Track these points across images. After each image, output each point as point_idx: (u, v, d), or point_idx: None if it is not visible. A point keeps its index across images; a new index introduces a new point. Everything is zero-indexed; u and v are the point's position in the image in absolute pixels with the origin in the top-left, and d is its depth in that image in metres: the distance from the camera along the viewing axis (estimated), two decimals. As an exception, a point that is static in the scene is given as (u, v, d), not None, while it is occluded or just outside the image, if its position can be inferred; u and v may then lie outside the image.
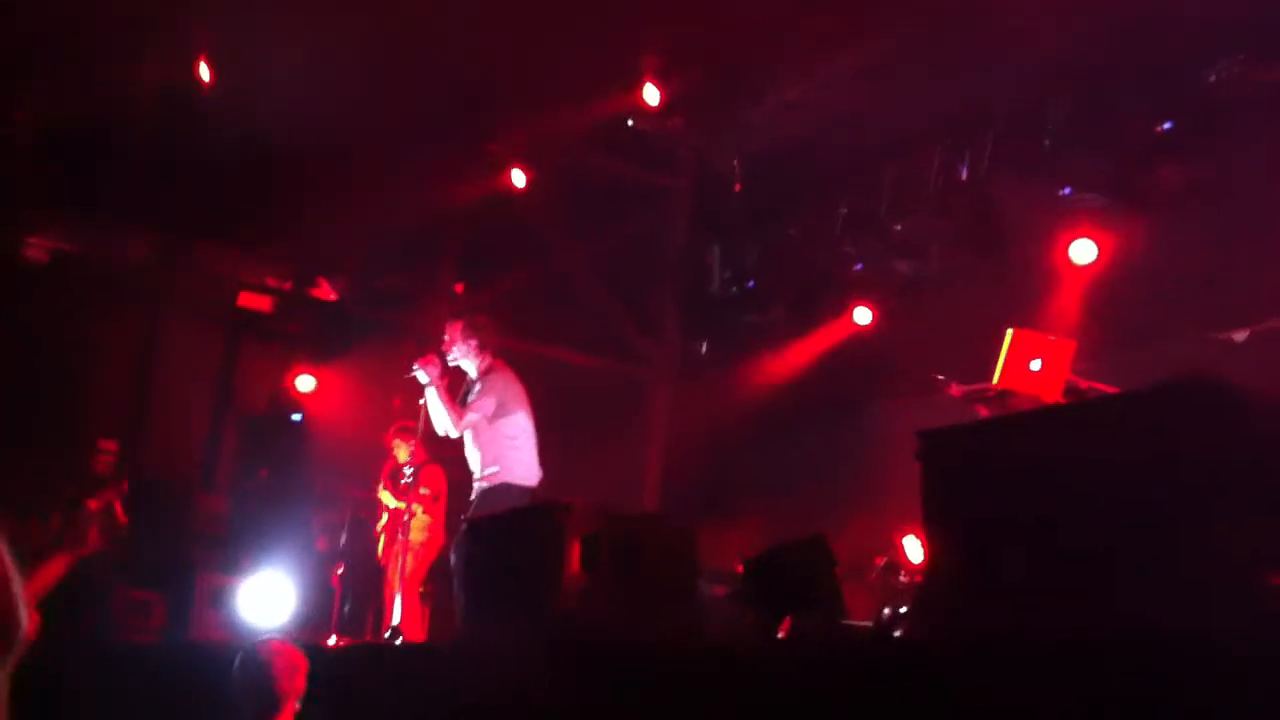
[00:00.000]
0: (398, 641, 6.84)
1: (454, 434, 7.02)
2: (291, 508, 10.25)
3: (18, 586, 1.75)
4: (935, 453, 3.90)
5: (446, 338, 7.18)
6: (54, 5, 8.51)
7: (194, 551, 9.52)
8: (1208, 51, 7.54)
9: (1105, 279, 8.30)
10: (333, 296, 11.52)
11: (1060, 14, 7.81)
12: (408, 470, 7.92)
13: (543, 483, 7.06)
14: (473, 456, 7.05)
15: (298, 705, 4.23)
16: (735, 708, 3.81)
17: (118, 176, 9.76)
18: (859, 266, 9.84)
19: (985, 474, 3.80)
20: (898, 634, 4.74)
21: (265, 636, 4.80)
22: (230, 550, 9.61)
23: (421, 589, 8.51)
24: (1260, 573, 3.01)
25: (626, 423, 11.43)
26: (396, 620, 7.33)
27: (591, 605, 4.91)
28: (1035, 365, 5.76)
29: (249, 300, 11.19)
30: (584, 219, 11.33)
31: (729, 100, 9.82)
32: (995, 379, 5.88)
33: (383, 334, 11.13)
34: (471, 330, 7.15)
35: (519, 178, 10.60)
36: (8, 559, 1.75)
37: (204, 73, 9.36)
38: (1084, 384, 5.76)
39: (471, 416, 6.95)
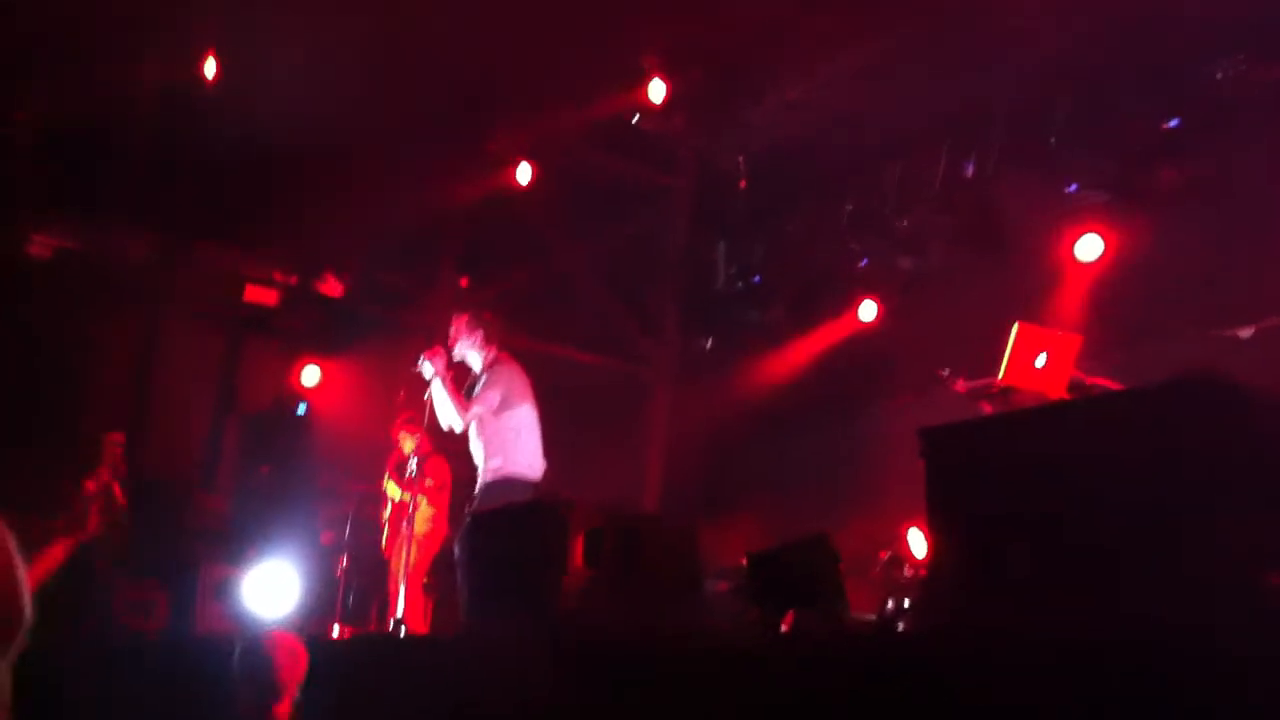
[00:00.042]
0: (401, 633, 6.86)
1: (459, 427, 7.03)
2: (294, 503, 10.25)
3: (21, 575, 1.74)
4: (938, 450, 3.89)
5: (452, 331, 7.20)
6: (54, 5, 8.51)
7: (197, 547, 9.52)
8: (1208, 51, 7.56)
9: (1109, 276, 8.30)
10: (338, 292, 11.51)
11: (1060, 14, 7.82)
12: (412, 462, 7.93)
13: (545, 479, 7.08)
14: (477, 450, 7.07)
15: (297, 694, 4.25)
16: (737, 703, 3.81)
17: (118, 176, 9.75)
18: (864, 263, 9.85)
19: (989, 471, 3.79)
20: (901, 627, 4.74)
21: (266, 627, 4.81)
22: (234, 542, 9.61)
23: (425, 581, 8.54)
24: (1264, 570, 3.01)
25: (628, 422, 11.43)
26: (400, 612, 7.34)
27: (594, 602, 4.92)
28: (1040, 360, 5.76)
29: (255, 295, 11.19)
30: (584, 219, 11.33)
31: (729, 101, 9.82)
32: (1000, 374, 5.88)
33: (387, 330, 11.14)
34: (477, 323, 7.18)
35: (524, 173, 10.59)
36: (11, 548, 1.74)
37: (209, 67, 9.34)
38: (1089, 380, 5.77)
39: (476, 409, 6.96)
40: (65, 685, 5.52)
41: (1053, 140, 8.23)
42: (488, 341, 7.18)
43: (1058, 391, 5.71)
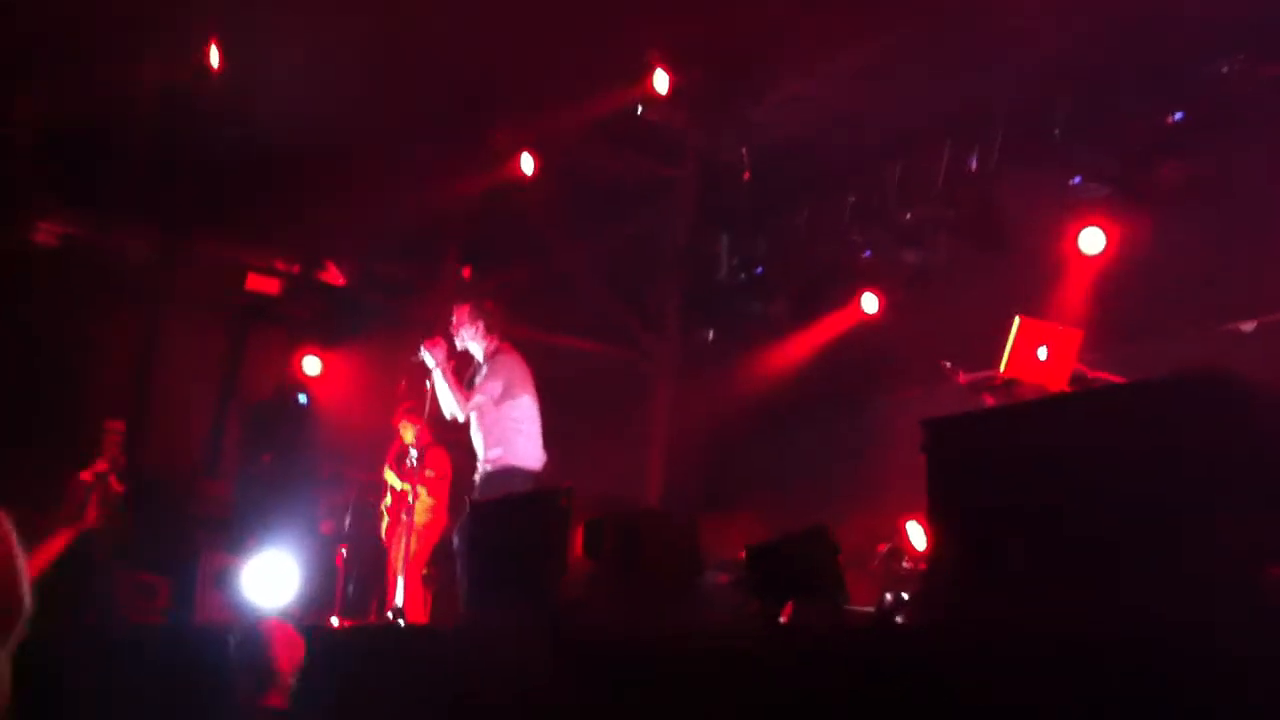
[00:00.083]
0: (400, 623, 6.87)
1: (460, 417, 7.04)
2: (295, 491, 10.27)
3: (21, 565, 1.74)
4: (940, 443, 3.88)
5: (454, 321, 7.20)
6: (54, 5, 8.50)
7: (198, 536, 9.54)
8: (1208, 50, 7.56)
9: (1111, 271, 8.30)
10: (340, 281, 11.52)
11: (1060, 14, 7.82)
12: (413, 452, 7.94)
13: (546, 471, 7.08)
14: (478, 439, 7.07)
15: (292, 682, 4.27)
16: (736, 696, 3.81)
17: (119, 176, 9.75)
18: (866, 254, 9.84)
19: (990, 464, 3.78)
20: (899, 620, 4.74)
21: (263, 616, 4.83)
22: (234, 531, 9.63)
23: (424, 571, 8.55)
24: (1263, 567, 3.01)
25: (629, 414, 11.43)
26: (399, 602, 7.35)
27: (594, 593, 4.92)
28: (1042, 354, 5.76)
29: (257, 284, 11.19)
30: (586, 213, 11.31)
31: (730, 99, 9.83)
32: (1002, 367, 5.88)
33: (389, 319, 11.14)
34: (478, 314, 7.18)
35: (527, 164, 10.57)
36: (12, 539, 1.75)
37: (214, 57, 9.32)
38: (1091, 373, 5.77)
39: (478, 399, 6.97)
40: (65, 675, 5.53)
41: (1056, 132, 8.23)
42: (489, 331, 7.18)
43: (1059, 385, 5.71)
